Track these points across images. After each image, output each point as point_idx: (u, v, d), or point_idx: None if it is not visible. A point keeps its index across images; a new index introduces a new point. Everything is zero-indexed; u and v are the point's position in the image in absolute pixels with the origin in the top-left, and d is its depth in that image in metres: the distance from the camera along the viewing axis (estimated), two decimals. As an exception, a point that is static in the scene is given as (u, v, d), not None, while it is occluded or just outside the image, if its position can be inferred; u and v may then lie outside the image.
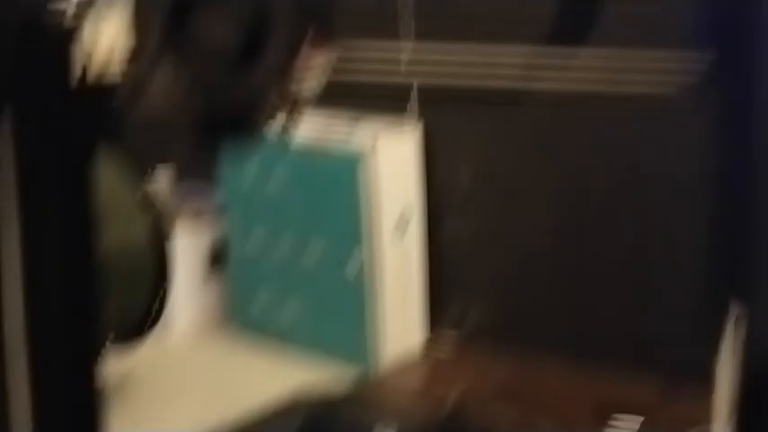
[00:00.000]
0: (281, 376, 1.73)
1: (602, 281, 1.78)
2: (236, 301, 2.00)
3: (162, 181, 1.84)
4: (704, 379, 1.59)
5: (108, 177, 0.75)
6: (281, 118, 0.60)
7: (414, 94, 1.75)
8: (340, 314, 1.83)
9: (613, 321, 1.73)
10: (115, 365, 0.98)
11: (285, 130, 0.61)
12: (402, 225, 1.82)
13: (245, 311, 1.98)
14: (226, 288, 2.02)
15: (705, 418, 1.56)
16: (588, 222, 1.77)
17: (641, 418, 1.54)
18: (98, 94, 0.62)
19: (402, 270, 1.86)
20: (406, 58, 0.96)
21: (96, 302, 0.92)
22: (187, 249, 1.91)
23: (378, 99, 1.73)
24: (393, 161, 1.79)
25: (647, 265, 1.74)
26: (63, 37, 0.59)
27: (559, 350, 1.79)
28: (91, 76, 0.61)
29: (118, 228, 0.89)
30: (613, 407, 1.58)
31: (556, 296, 1.75)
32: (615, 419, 1.53)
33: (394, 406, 1.53)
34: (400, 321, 1.87)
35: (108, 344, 1.02)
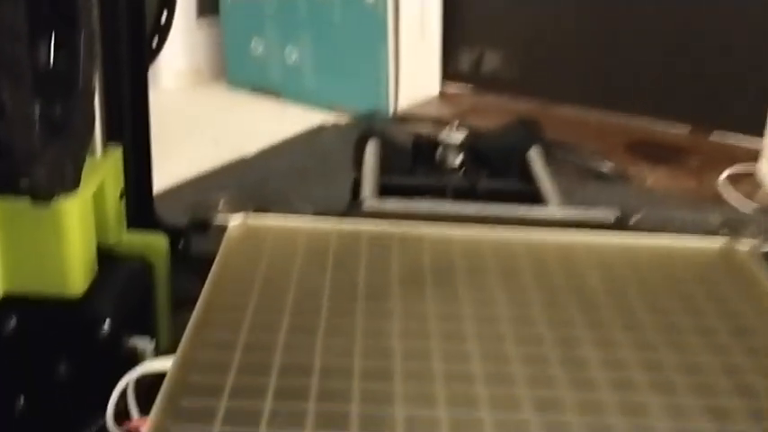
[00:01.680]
0: (287, 123, 1.63)
1: (631, 32, 1.64)
2: (230, 51, 1.85)
3: None
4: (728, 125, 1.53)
5: None
6: None
7: None
8: (352, 55, 1.70)
9: (641, 72, 1.62)
10: None
11: None
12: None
13: (240, 62, 1.84)
14: (217, 38, 1.86)
15: (745, 156, 1.49)
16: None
17: (669, 163, 1.47)
18: None
19: (420, 7, 1.70)
20: None
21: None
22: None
23: None
24: None
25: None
26: None
27: (581, 101, 1.69)
28: None
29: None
30: (643, 148, 1.51)
31: (579, 46, 1.62)
32: (645, 160, 1.46)
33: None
34: (417, 69, 1.74)
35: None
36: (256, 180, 1.21)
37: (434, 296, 0.56)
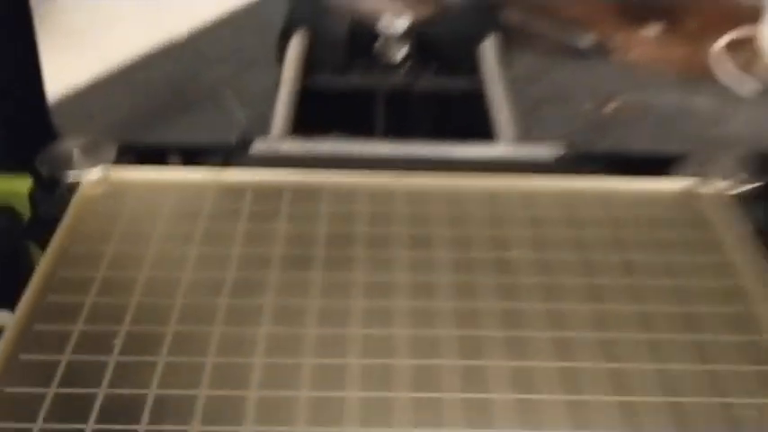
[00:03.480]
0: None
1: None
2: None
3: None
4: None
5: None
6: None
7: None
8: None
9: None
10: None
11: None
12: None
13: None
14: None
15: (741, 21, 1.33)
16: None
17: (663, 23, 1.32)
18: None
19: None
20: None
21: None
22: None
23: None
24: None
25: None
26: None
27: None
28: None
29: None
30: (636, 9, 1.36)
31: None
32: (638, 22, 1.31)
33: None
34: None
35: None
36: (185, 71, 1.07)
37: (326, 263, 0.46)
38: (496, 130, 0.67)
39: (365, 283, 0.44)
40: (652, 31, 1.32)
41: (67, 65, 1.00)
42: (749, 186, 0.54)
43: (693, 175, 0.54)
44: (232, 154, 0.55)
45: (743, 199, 0.53)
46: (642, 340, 0.41)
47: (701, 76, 1.16)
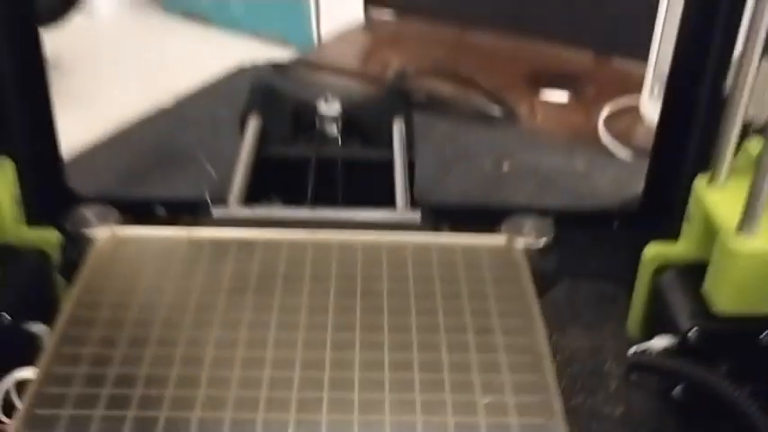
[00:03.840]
0: (217, 53, 1.72)
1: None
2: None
3: None
4: (633, 52, 1.62)
5: None
6: None
7: None
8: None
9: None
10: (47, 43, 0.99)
11: None
12: None
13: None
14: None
15: (633, 88, 1.60)
16: None
17: (568, 90, 1.58)
18: None
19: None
20: None
21: None
22: None
23: None
24: None
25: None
26: None
27: (496, 25, 1.78)
28: None
29: None
30: (545, 77, 1.62)
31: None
32: (546, 88, 1.58)
33: (334, 79, 1.56)
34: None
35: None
36: (172, 133, 1.33)
37: (252, 304, 0.71)
38: (395, 195, 0.93)
39: (279, 310, 0.70)
40: (556, 97, 1.59)
41: (72, 126, 1.24)
42: (546, 242, 0.80)
43: (512, 232, 0.80)
44: (198, 216, 0.81)
45: (541, 251, 0.79)
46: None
47: (591, 139, 1.43)
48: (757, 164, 0.74)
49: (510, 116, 1.45)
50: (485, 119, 1.43)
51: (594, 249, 1.09)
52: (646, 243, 0.94)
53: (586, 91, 1.61)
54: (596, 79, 1.61)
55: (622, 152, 1.35)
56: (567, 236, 1.03)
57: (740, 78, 0.78)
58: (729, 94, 0.81)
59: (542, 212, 1.00)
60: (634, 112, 1.56)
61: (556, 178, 1.30)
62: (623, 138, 1.45)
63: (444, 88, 1.57)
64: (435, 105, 1.47)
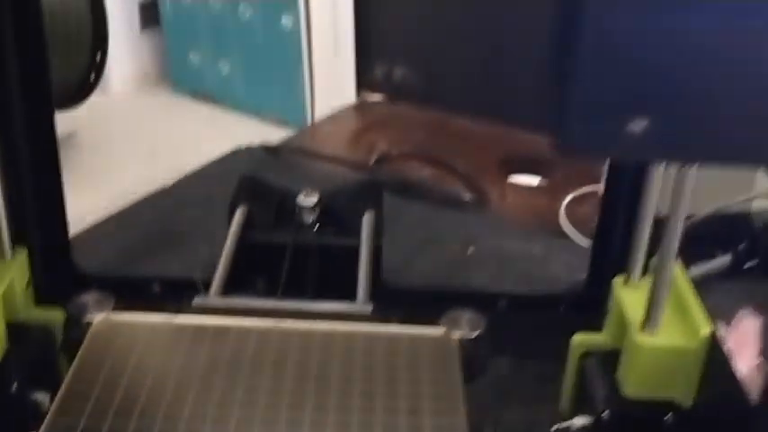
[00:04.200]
0: (219, 133, 1.88)
1: (519, 54, 1.86)
2: (172, 60, 2.08)
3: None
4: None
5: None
6: None
7: None
8: (275, 71, 1.93)
9: (524, 90, 1.85)
10: (60, 124, 1.14)
11: None
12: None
13: (181, 70, 2.07)
14: (161, 47, 2.09)
15: (598, 176, 1.73)
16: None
17: (538, 175, 1.73)
18: None
19: (333, 28, 1.93)
20: None
21: (46, 63, 1.08)
22: (120, 7, 1.97)
23: None
24: None
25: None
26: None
27: (475, 111, 1.93)
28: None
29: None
30: (517, 163, 1.77)
31: (474, 58, 1.85)
32: (517, 174, 1.72)
33: (320, 163, 1.71)
34: (332, 81, 1.97)
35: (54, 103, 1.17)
36: (170, 213, 1.47)
37: (221, 385, 0.85)
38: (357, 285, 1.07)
39: (244, 391, 0.83)
40: (526, 181, 1.73)
41: (81, 203, 1.38)
42: (478, 333, 0.93)
43: (449, 324, 0.94)
44: (184, 301, 0.95)
45: (473, 342, 0.92)
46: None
47: (553, 224, 1.57)
48: (653, 271, 0.87)
49: (481, 201, 1.58)
50: (457, 203, 1.56)
51: (540, 331, 1.22)
52: (586, 327, 1.07)
53: (555, 177, 1.74)
54: (564, 166, 1.74)
55: (580, 238, 1.48)
56: (517, 318, 1.17)
57: (648, 189, 0.91)
58: (640, 203, 0.94)
59: (495, 297, 1.14)
60: (595, 198, 1.69)
61: (514, 262, 1.43)
62: (582, 224, 1.57)
63: (422, 172, 1.72)
64: (412, 190, 1.61)
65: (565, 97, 0.49)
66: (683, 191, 0.83)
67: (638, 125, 0.49)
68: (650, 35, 0.47)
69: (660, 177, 0.90)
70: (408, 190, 1.59)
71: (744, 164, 0.83)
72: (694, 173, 0.80)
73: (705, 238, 1.41)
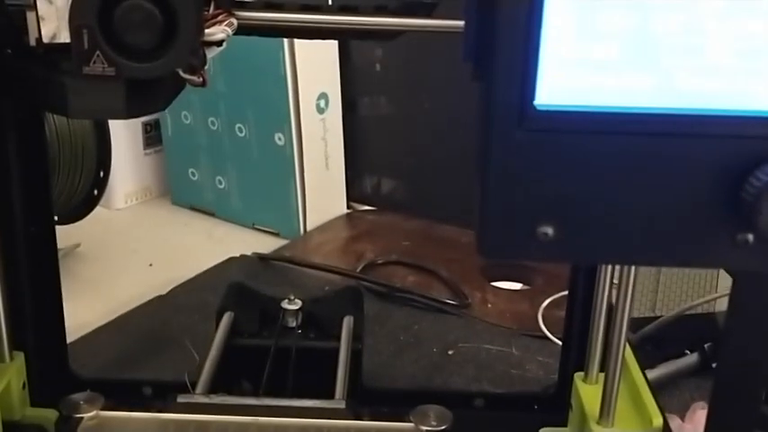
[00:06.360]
0: (215, 244, 1.98)
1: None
2: (172, 176, 2.21)
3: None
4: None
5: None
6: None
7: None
8: (269, 184, 2.05)
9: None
10: (65, 236, 1.22)
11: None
12: (322, 105, 2.00)
13: (181, 185, 2.19)
14: (162, 164, 2.22)
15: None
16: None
17: (520, 281, 1.80)
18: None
19: (324, 145, 2.05)
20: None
21: (48, 183, 1.17)
22: (125, 129, 2.11)
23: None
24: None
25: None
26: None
27: (459, 220, 2.03)
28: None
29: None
30: (498, 270, 1.85)
31: (456, 173, 1.96)
32: (498, 281, 1.80)
33: (306, 274, 1.79)
34: (324, 195, 2.08)
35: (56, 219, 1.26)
36: (164, 318, 1.55)
37: None
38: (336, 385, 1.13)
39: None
40: (508, 286, 1.81)
41: (79, 311, 1.46)
42: (445, 428, 0.99)
43: (418, 420, 1.00)
44: (167, 403, 1.01)
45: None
46: None
47: (532, 326, 1.63)
48: (605, 370, 0.94)
49: (463, 305, 1.66)
50: (440, 308, 1.64)
51: (513, 428, 1.27)
52: (556, 423, 1.12)
53: (536, 282, 1.82)
54: (545, 272, 1.82)
55: (555, 339, 1.54)
56: (492, 415, 1.23)
57: (599, 288, 0.99)
58: (593, 302, 1.01)
59: (471, 396, 1.20)
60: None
61: (493, 363, 1.49)
62: (558, 325, 1.64)
63: (407, 278, 1.80)
64: (396, 296, 1.69)
65: (481, 204, 0.57)
66: (627, 289, 0.90)
67: (546, 230, 0.56)
68: (549, 151, 0.55)
69: (609, 276, 0.98)
70: (393, 295, 1.67)
71: (644, 264, 0.93)
72: (634, 271, 0.87)
73: (674, 337, 1.48)
